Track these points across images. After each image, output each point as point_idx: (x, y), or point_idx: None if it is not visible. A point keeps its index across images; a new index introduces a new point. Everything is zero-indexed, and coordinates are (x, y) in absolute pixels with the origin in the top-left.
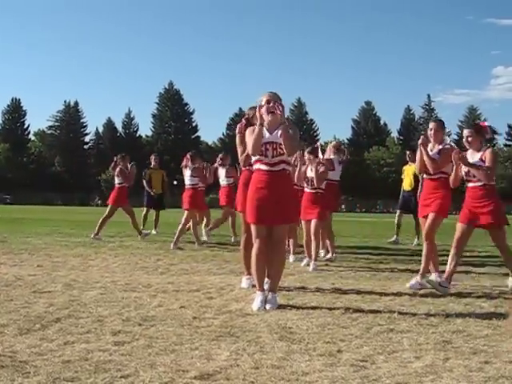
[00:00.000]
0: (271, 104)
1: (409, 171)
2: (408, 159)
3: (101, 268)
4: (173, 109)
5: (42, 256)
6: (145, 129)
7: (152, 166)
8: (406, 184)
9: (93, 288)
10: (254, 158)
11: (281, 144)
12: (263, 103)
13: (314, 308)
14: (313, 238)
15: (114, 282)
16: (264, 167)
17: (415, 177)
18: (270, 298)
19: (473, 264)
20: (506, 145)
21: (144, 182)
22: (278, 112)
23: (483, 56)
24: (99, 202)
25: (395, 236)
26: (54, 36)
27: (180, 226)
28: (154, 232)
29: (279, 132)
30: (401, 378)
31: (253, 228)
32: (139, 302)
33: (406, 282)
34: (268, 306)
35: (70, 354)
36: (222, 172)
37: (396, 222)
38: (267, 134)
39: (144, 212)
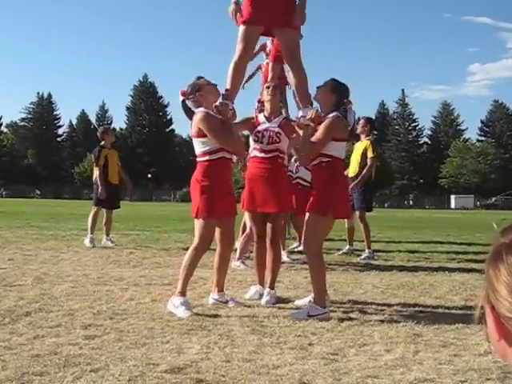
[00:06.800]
0: (270, 88)
1: (358, 149)
2: (362, 132)
3: (73, 262)
4: (147, 101)
5: (13, 249)
6: (119, 121)
7: (103, 143)
8: (352, 168)
9: (64, 282)
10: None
11: (278, 133)
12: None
13: (285, 301)
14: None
15: (86, 276)
16: (258, 154)
17: (363, 156)
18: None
19: (444, 259)
20: (478, 140)
21: (97, 169)
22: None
23: (460, 53)
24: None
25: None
26: (28, 27)
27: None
28: (106, 241)
29: (279, 120)
30: (371, 370)
31: (249, 216)
32: (111, 296)
33: (379, 276)
34: (264, 301)
35: (40, 347)
36: None
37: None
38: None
39: (93, 212)
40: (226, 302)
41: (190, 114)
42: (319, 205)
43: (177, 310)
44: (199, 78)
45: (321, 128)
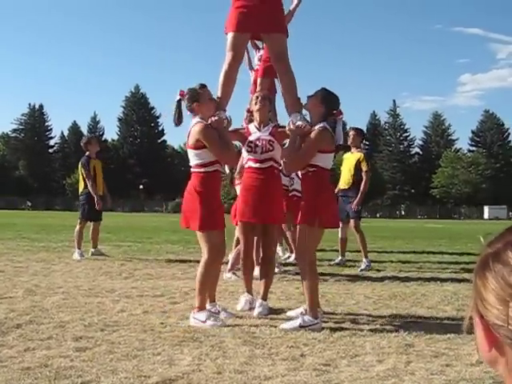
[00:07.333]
0: (259, 98)
1: (350, 161)
2: (351, 144)
3: (64, 273)
4: (139, 112)
5: (3, 261)
6: (111, 132)
7: (88, 153)
8: (344, 180)
9: (55, 293)
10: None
11: (270, 141)
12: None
13: (278, 312)
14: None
15: (77, 287)
16: (254, 164)
17: (356, 169)
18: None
19: (436, 269)
20: (469, 150)
21: (89, 181)
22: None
23: (451, 64)
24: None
25: (340, 256)
26: (19, 38)
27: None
28: (95, 252)
29: (270, 128)
30: (363, 381)
31: (240, 226)
32: (102, 308)
33: (371, 287)
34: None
35: (30, 360)
36: None
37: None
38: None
39: (79, 227)
40: (218, 312)
41: (178, 116)
42: (307, 216)
43: (205, 325)
44: (202, 86)
45: (307, 141)
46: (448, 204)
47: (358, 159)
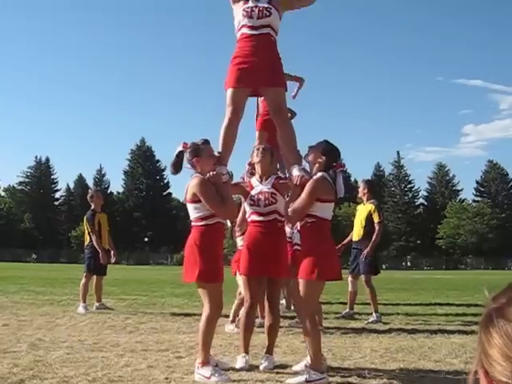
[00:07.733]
0: (260, 150)
1: (361, 212)
2: (363, 195)
3: (68, 327)
4: (144, 165)
5: (7, 315)
6: (116, 185)
7: (93, 207)
8: (356, 231)
9: (59, 348)
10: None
11: (272, 193)
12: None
13: (283, 366)
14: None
15: (81, 342)
16: (257, 218)
17: (367, 220)
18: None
19: (443, 321)
20: (474, 200)
21: (93, 236)
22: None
23: (453, 115)
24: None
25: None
26: (25, 90)
27: None
28: (99, 307)
29: (272, 181)
30: None
31: (244, 280)
32: (106, 362)
33: (378, 340)
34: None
35: None
36: None
37: (349, 289)
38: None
39: (85, 281)
40: (216, 365)
41: (177, 166)
42: (305, 268)
43: (210, 381)
44: (205, 142)
45: (304, 190)
46: (454, 255)
47: (370, 211)
